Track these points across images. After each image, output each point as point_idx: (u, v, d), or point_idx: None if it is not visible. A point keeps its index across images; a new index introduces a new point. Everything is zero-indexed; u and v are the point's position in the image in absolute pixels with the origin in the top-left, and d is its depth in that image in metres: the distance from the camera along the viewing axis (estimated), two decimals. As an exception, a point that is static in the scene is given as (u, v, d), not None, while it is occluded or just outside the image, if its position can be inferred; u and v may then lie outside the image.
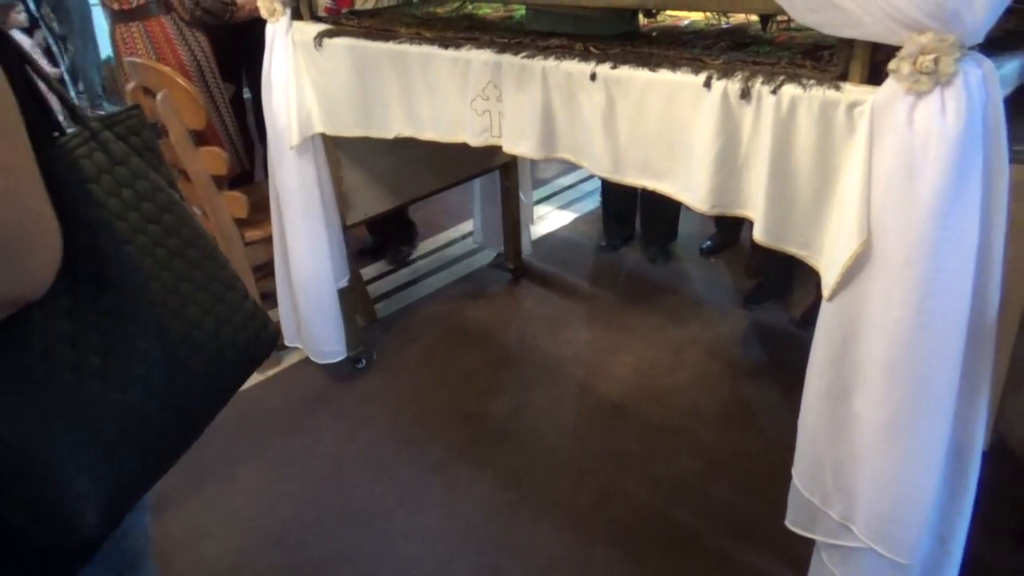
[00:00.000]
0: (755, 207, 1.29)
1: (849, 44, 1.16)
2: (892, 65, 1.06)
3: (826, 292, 1.21)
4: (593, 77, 1.42)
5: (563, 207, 3.79)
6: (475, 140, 1.69)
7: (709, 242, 3.20)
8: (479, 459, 2.09)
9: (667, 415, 2.23)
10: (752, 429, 2.14)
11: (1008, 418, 1.45)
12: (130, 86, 2.32)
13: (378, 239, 3.29)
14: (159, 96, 2.15)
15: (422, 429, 2.22)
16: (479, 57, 1.60)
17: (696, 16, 1.72)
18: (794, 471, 1.38)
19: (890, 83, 1.07)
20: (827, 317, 1.22)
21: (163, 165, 0.80)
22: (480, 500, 1.96)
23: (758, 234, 1.30)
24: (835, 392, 1.25)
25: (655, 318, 2.72)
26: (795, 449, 1.36)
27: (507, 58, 1.55)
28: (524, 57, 1.52)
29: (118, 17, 2.44)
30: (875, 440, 1.22)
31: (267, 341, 0.85)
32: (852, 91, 1.14)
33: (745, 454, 2.05)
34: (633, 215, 3.26)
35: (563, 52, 1.49)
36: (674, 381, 2.37)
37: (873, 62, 1.15)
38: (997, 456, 1.37)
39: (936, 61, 1.01)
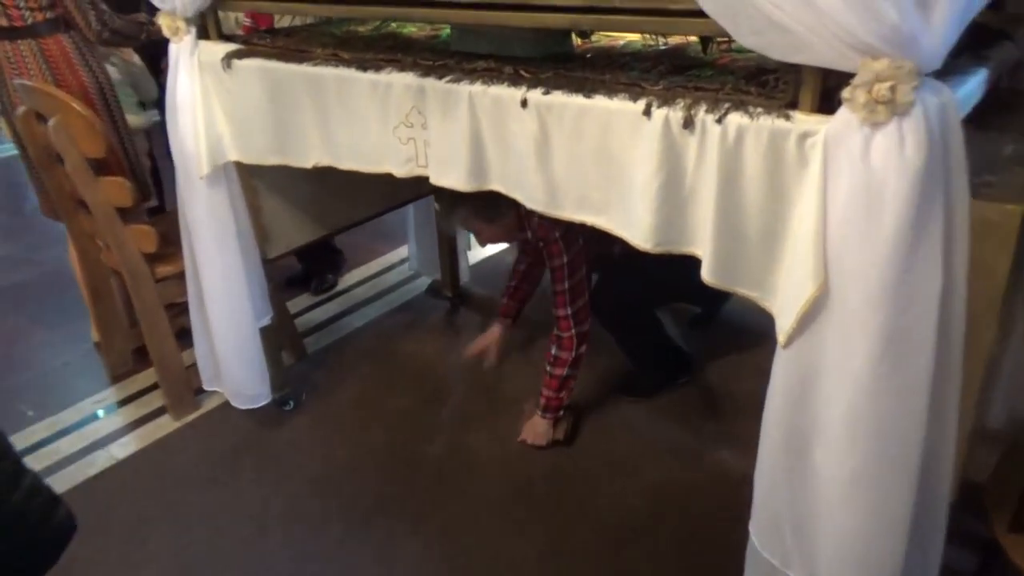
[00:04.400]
0: (702, 244, 1.19)
1: (796, 69, 1.07)
2: (846, 94, 0.97)
3: (781, 338, 1.11)
4: (524, 103, 1.30)
5: (503, 228, 3.67)
6: (400, 170, 1.56)
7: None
8: (416, 510, 1.94)
9: (614, 452, 2.11)
10: (702, 465, 2.04)
11: (976, 465, 1.38)
12: (20, 111, 2.11)
13: (306, 267, 3.11)
14: (51, 122, 1.95)
15: (354, 478, 2.06)
16: (401, 80, 1.47)
17: (633, 36, 1.62)
18: (751, 527, 1.27)
19: (844, 113, 0.98)
20: (783, 365, 1.12)
21: None
22: (418, 557, 1.81)
23: (706, 274, 1.19)
24: (794, 445, 1.15)
25: (599, 350, 2.62)
26: (751, 504, 1.26)
27: (431, 82, 1.42)
28: (449, 81, 1.40)
29: (4, 34, 2.21)
30: (838, 496, 1.12)
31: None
32: (803, 121, 1.05)
33: (695, 492, 1.95)
34: None
35: (491, 76, 1.37)
36: (620, 417, 2.26)
37: (824, 88, 1.06)
38: (965, 505, 1.30)
39: (893, 90, 0.92)
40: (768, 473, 1.20)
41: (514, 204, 1.84)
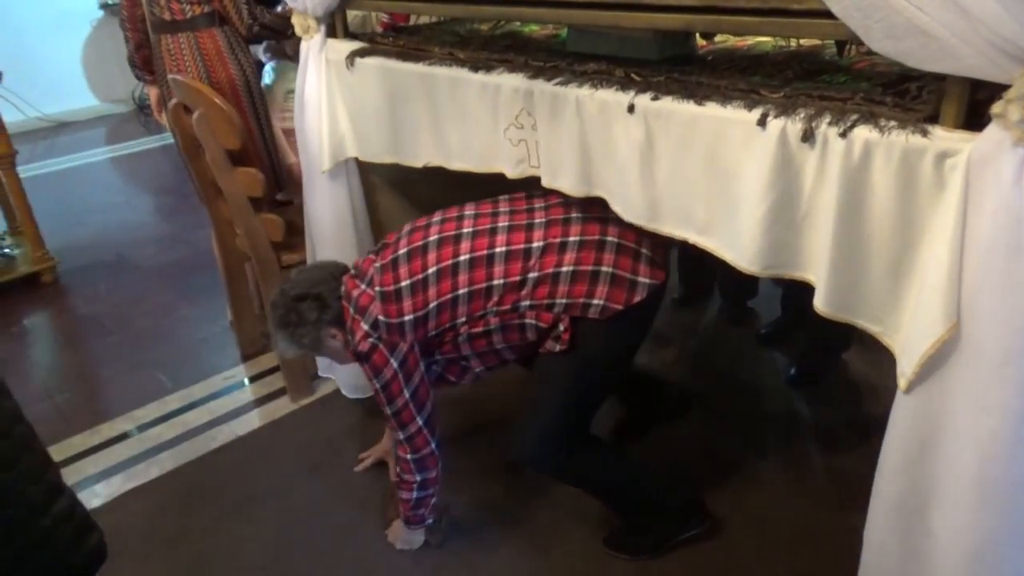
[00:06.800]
0: (816, 271, 1.07)
1: (941, 78, 0.94)
2: (996, 108, 0.83)
3: (902, 382, 0.98)
4: (631, 109, 1.22)
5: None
6: (512, 171, 1.52)
7: (767, 328, 2.56)
8: (510, 517, 1.91)
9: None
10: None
11: None
12: (172, 103, 2.26)
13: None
14: (195, 115, 2.08)
15: (452, 477, 2.04)
16: (509, 83, 1.43)
17: (763, 36, 1.50)
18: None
19: (993, 130, 0.85)
20: (902, 413, 0.99)
21: None
22: (505, 566, 1.78)
23: (819, 303, 1.07)
24: (909, 505, 1.01)
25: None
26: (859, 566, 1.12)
27: (539, 84, 1.38)
28: (557, 84, 1.35)
29: (166, 28, 2.38)
30: (956, 567, 0.98)
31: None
32: (943, 137, 0.92)
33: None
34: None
35: (600, 79, 1.31)
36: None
37: (972, 102, 0.92)
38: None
39: (1056, 105, 0.78)
40: (879, 533, 1.07)
41: (335, 324, 1.60)
